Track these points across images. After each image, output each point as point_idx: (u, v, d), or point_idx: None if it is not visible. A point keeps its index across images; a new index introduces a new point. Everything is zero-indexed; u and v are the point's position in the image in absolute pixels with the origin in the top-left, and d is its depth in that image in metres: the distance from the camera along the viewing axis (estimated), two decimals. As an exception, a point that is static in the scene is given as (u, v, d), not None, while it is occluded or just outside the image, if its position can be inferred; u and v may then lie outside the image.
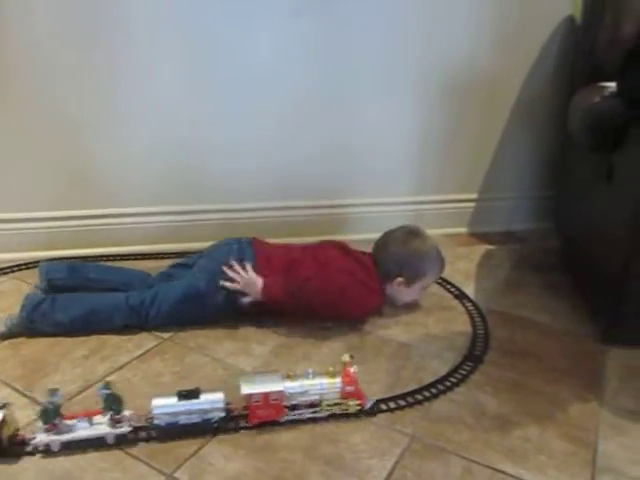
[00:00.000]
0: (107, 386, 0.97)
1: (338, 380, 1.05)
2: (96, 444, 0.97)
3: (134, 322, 1.29)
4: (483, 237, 1.93)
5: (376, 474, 0.93)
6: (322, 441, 1.00)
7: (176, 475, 0.92)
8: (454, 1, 1.72)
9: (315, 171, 1.79)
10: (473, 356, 1.26)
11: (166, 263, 1.48)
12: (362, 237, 1.68)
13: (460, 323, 1.40)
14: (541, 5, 1.78)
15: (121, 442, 0.97)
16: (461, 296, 1.52)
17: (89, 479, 0.91)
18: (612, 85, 1.36)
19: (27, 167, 1.62)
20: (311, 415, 1.05)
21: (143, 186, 1.70)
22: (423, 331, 1.36)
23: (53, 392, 0.95)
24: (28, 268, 1.59)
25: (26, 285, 1.50)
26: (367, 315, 1.39)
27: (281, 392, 1.01)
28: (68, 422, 0.96)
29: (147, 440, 0.99)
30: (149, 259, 1.66)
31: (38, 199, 1.65)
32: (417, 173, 1.88)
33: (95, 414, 0.98)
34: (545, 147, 1.93)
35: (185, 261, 1.44)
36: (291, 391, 1.03)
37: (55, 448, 0.95)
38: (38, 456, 0.95)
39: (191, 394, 0.99)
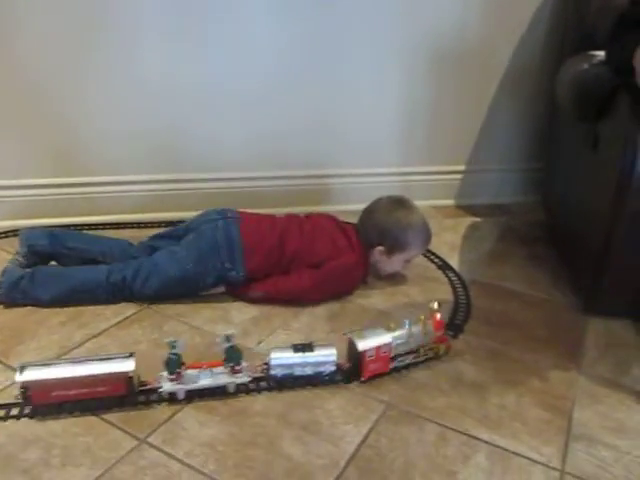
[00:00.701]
0: (228, 339, 1.00)
1: (431, 327, 1.11)
2: (218, 393, 1.01)
3: (117, 297, 1.28)
4: (470, 209, 1.92)
5: (350, 440, 0.93)
6: (297, 407, 1.00)
7: (149, 440, 0.92)
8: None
9: (301, 142, 1.77)
10: (454, 325, 1.26)
11: (150, 232, 1.46)
12: (349, 208, 1.66)
13: (442, 293, 1.40)
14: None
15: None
16: (445, 267, 1.52)
17: (61, 444, 0.90)
18: (601, 53, 1.34)
19: (8, 135, 1.59)
20: (412, 361, 1.11)
21: (126, 155, 1.67)
22: (405, 300, 1.36)
23: (174, 342, 0.97)
24: (7, 237, 1.57)
25: (6, 254, 1.48)
26: (354, 288, 1.38)
27: (389, 344, 1.06)
28: (191, 372, 1.00)
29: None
30: (132, 228, 1.64)
31: (19, 167, 1.62)
32: (404, 144, 1.86)
33: (216, 365, 1.01)
34: (534, 118, 1.91)
35: (168, 232, 1.41)
36: (397, 342, 1.08)
37: (180, 396, 1.00)
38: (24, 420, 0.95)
39: (306, 347, 1.05)
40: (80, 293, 1.26)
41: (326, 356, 1.05)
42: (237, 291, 1.31)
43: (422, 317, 1.11)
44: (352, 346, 1.06)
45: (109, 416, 0.96)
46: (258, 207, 1.56)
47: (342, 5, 1.64)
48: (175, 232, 1.37)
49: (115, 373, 0.96)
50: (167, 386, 0.99)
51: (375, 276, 1.43)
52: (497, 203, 1.96)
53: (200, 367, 1.01)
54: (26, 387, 0.93)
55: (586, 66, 1.34)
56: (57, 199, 1.66)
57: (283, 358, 1.04)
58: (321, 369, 1.05)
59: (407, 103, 1.81)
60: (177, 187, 1.71)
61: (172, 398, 1.00)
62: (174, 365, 0.98)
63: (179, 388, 0.99)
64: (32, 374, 0.93)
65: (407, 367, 1.11)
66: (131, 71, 1.58)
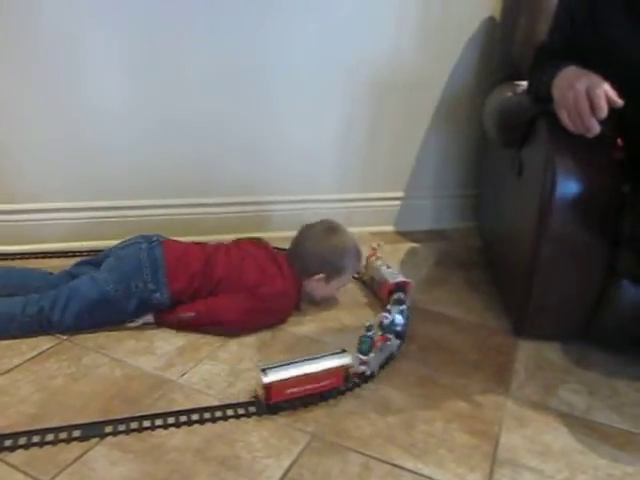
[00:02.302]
0: (370, 328, 1.13)
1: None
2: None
3: (34, 330, 1.21)
4: (409, 235, 1.93)
5: (270, 474, 0.89)
6: (217, 442, 0.95)
7: (54, 483, 0.86)
8: (378, 5, 1.72)
9: (237, 169, 1.75)
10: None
11: (73, 261, 1.40)
12: (289, 234, 1.62)
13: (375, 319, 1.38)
14: (464, 3, 1.80)
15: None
16: (380, 292, 1.51)
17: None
18: (524, 83, 1.39)
19: None
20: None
21: (49, 181, 1.60)
22: (337, 326, 1.34)
23: (369, 325, 1.13)
24: None
25: None
26: (287, 316, 1.35)
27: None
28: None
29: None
30: (56, 257, 1.57)
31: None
32: (342, 171, 1.87)
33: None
34: (468, 145, 1.96)
35: (91, 259, 1.36)
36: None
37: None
38: None
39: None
40: None
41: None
42: (165, 316, 1.27)
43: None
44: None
45: (12, 457, 0.90)
46: (194, 235, 1.54)
47: (278, 31, 1.65)
48: (97, 259, 1.32)
49: (338, 367, 1.07)
50: (364, 368, 1.13)
51: (311, 302, 1.41)
52: (435, 229, 1.99)
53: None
54: (268, 387, 1.01)
55: (509, 94, 1.39)
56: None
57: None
58: None
59: (344, 130, 1.83)
60: (105, 215, 1.65)
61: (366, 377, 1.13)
62: (368, 347, 1.12)
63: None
64: (275, 375, 1.01)
65: (335, 396, 1.08)
66: (65, 94, 1.54)
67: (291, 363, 1.04)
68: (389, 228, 1.97)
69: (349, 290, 1.50)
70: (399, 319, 1.25)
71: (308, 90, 1.74)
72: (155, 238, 1.31)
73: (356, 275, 1.54)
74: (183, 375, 1.12)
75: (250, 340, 1.26)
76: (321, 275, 1.36)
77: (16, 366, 1.12)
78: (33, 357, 1.15)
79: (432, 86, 1.87)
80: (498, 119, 1.37)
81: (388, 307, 1.26)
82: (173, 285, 1.24)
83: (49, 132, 1.56)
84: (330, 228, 1.42)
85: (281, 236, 1.61)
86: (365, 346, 1.12)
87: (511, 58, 1.65)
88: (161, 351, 1.19)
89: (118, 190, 1.65)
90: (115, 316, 1.25)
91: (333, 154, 1.85)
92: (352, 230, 1.82)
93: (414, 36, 1.79)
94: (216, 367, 1.15)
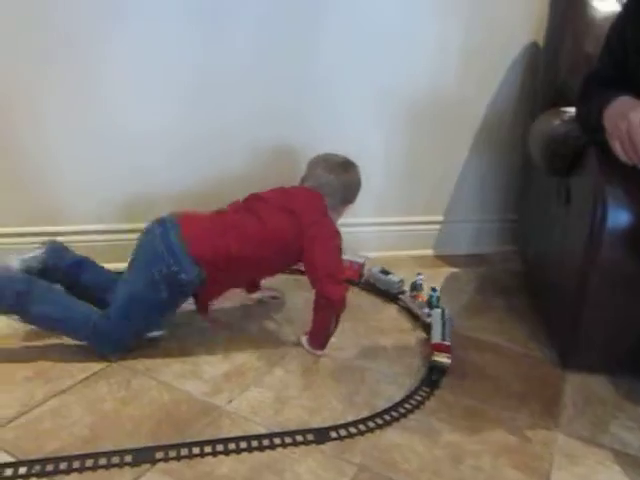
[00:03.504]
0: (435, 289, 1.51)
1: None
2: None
3: (93, 342, 1.24)
4: (448, 259, 1.92)
5: (319, 506, 0.90)
6: (265, 471, 0.96)
7: (108, 508, 0.87)
8: (419, 23, 1.72)
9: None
10: (429, 381, 1.23)
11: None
12: None
13: (419, 347, 1.38)
14: (506, 28, 1.80)
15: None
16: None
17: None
18: (572, 110, 1.37)
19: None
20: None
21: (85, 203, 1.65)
22: (380, 354, 1.33)
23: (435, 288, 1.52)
24: None
25: None
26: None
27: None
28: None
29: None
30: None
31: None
32: (380, 194, 1.86)
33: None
34: (509, 169, 1.94)
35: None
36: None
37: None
38: None
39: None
40: (64, 326, 1.24)
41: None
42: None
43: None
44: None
45: (67, 481, 0.92)
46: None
47: (319, 56, 1.67)
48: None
49: None
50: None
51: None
52: (475, 253, 1.97)
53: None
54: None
55: (557, 122, 1.37)
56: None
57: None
58: None
59: (384, 153, 1.83)
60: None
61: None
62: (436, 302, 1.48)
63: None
64: None
65: (381, 427, 1.08)
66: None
67: None
68: (428, 252, 1.96)
69: (389, 315, 1.50)
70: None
71: (349, 115, 1.75)
72: (169, 220, 1.26)
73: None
74: (230, 402, 1.13)
75: (294, 366, 1.26)
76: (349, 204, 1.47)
77: (68, 388, 1.14)
78: (84, 379, 1.17)
79: (473, 110, 1.86)
80: (545, 147, 1.36)
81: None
82: (199, 259, 1.21)
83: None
84: (347, 161, 1.47)
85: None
86: (432, 302, 1.49)
87: (555, 84, 1.64)
88: (207, 375, 1.21)
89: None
90: (156, 311, 1.26)
91: (372, 178, 1.84)
92: (391, 254, 1.87)
93: (455, 59, 1.79)
94: (262, 394, 1.15)
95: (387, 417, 1.10)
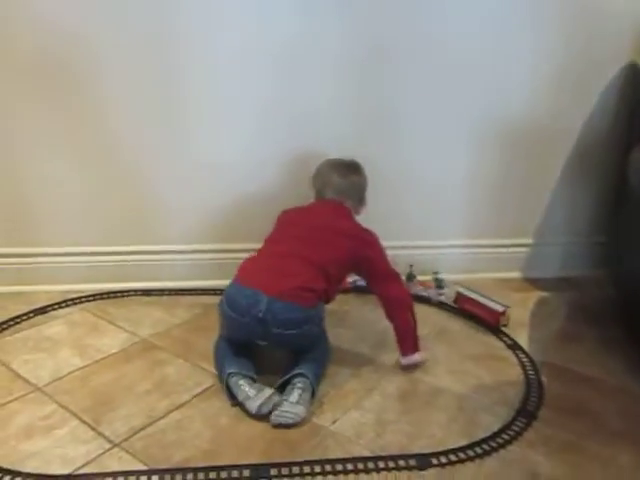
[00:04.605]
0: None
1: None
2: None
3: None
4: (537, 282, 1.91)
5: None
6: (373, 495, 1.02)
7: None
8: (513, 48, 1.73)
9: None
10: (526, 412, 1.25)
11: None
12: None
13: (513, 375, 1.40)
14: (602, 52, 1.78)
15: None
16: (514, 347, 1.51)
17: None
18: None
19: (103, 206, 1.73)
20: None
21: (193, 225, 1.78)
22: (475, 382, 1.36)
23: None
24: (95, 300, 1.70)
25: (92, 315, 1.60)
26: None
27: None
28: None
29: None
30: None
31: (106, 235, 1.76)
32: (470, 217, 1.89)
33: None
34: (600, 192, 1.92)
35: None
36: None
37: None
38: None
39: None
40: None
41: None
42: None
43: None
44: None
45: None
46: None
47: (413, 80, 1.72)
48: None
49: None
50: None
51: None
52: (563, 276, 1.95)
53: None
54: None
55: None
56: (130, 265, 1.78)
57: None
58: None
59: (474, 175, 1.86)
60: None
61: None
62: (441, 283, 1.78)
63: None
64: None
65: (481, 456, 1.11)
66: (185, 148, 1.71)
67: None
68: (516, 275, 1.96)
69: (481, 342, 1.53)
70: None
71: (438, 135, 1.79)
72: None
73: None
74: (334, 422, 1.20)
75: (391, 390, 1.32)
76: (358, 206, 1.55)
77: (186, 402, 1.25)
78: (199, 394, 1.28)
79: (566, 134, 1.85)
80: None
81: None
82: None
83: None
84: (354, 162, 1.55)
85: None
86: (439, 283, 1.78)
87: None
88: (311, 396, 1.28)
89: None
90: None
91: (461, 199, 1.87)
92: (478, 276, 1.89)
93: (549, 83, 1.78)
94: (363, 417, 1.22)
95: (486, 447, 1.14)
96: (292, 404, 1.17)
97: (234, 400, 1.22)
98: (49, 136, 1.63)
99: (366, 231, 1.44)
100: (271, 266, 1.34)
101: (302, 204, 1.54)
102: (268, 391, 1.21)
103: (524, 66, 1.76)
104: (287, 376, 1.25)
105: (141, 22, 1.56)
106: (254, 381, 1.24)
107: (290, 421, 1.16)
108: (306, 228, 1.42)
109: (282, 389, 1.24)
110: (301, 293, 1.28)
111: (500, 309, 1.60)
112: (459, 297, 1.72)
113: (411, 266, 1.80)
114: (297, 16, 1.62)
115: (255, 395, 1.19)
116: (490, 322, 1.61)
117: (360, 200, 1.55)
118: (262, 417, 1.18)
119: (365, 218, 1.53)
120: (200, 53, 1.61)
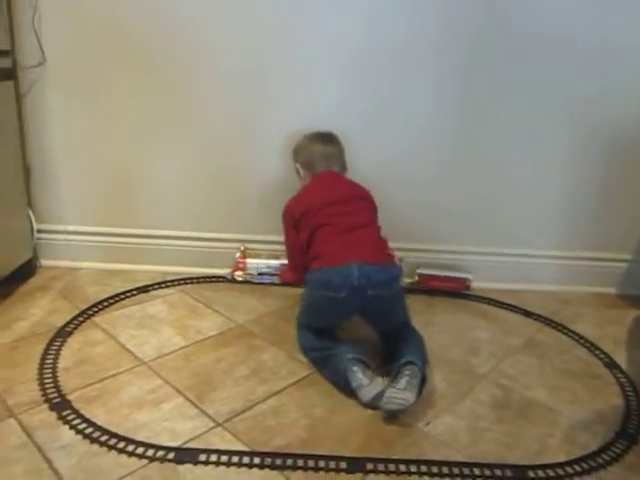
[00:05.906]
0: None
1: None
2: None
3: None
4: (633, 300, 1.84)
5: None
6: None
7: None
8: (624, 63, 1.67)
9: (460, 222, 1.82)
10: (626, 434, 1.22)
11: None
12: (500, 286, 1.72)
13: (611, 395, 1.36)
14: None
15: None
16: (611, 365, 1.47)
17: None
18: None
19: (201, 194, 1.81)
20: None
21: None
22: (571, 398, 1.33)
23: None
24: (192, 283, 1.77)
25: (190, 297, 1.67)
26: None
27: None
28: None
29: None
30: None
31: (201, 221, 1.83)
32: (567, 228, 1.84)
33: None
34: None
35: None
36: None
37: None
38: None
39: None
40: None
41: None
42: None
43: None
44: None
45: (293, 476, 1.05)
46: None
47: (506, 79, 1.69)
48: None
49: None
50: None
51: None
52: (664, 296, 1.87)
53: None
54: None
55: None
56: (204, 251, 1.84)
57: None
58: None
59: (574, 186, 1.81)
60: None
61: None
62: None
63: None
64: None
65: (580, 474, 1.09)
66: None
67: None
68: (610, 290, 1.89)
69: (575, 355, 1.50)
70: None
71: (544, 150, 1.76)
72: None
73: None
74: (428, 424, 1.20)
75: (484, 397, 1.31)
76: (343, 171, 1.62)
77: (282, 389, 1.29)
78: (294, 383, 1.32)
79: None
80: None
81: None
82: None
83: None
84: (329, 132, 1.62)
85: (492, 287, 1.67)
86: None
87: None
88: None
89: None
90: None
91: (560, 210, 1.83)
92: (571, 289, 1.84)
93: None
94: (456, 422, 1.22)
95: (585, 465, 1.11)
96: (400, 390, 1.19)
97: (348, 386, 1.25)
98: (152, 128, 1.72)
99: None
100: (345, 243, 1.39)
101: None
102: (380, 384, 1.24)
103: (636, 80, 1.69)
104: (396, 364, 1.28)
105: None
106: (367, 367, 1.28)
107: (398, 407, 1.18)
108: (340, 204, 1.46)
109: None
110: (381, 255, 1.39)
111: (467, 276, 1.78)
112: (422, 278, 1.81)
113: (401, 260, 1.77)
114: (402, 15, 1.62)
115: (368, 385, 1.22)
116: (459, 289, 1.78)
117: (344, 166, 1.61)
118: (371, 407, 1.22)
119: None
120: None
